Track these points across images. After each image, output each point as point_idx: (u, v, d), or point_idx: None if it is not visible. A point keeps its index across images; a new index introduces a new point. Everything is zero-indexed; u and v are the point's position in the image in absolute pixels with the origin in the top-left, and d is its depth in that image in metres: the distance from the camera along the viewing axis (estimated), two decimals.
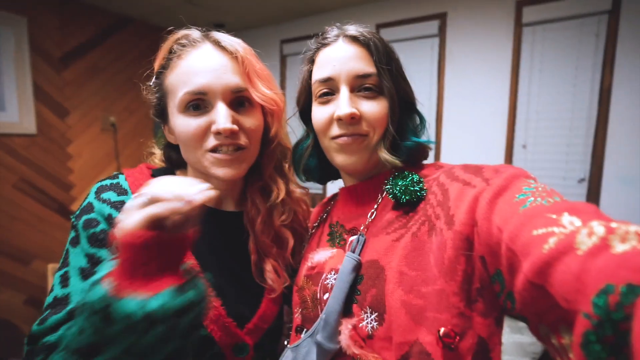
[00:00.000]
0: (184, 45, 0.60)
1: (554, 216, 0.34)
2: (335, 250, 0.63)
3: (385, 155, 0.58)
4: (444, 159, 2.46)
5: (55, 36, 2.57)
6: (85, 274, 0.55)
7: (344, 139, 0.59)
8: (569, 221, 0.32)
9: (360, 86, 0.58)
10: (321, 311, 0.56)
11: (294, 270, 0.73)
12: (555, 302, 0.30)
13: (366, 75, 0.58)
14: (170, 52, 0.61)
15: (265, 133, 0.68)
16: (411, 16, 2.52)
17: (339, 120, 0.58)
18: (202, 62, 0.58)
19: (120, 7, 2.82)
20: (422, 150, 0.63)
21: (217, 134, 0.58)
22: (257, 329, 0.65)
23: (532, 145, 2.22)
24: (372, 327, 0.50)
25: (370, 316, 0.51)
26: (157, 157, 0.74)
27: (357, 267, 0.55)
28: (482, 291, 0.45)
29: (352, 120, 0.57)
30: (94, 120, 2.80)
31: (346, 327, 0.52)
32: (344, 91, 0.58)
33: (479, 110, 2.37)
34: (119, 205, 0.57)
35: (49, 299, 0.56)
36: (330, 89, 0.60)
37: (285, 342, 0.69)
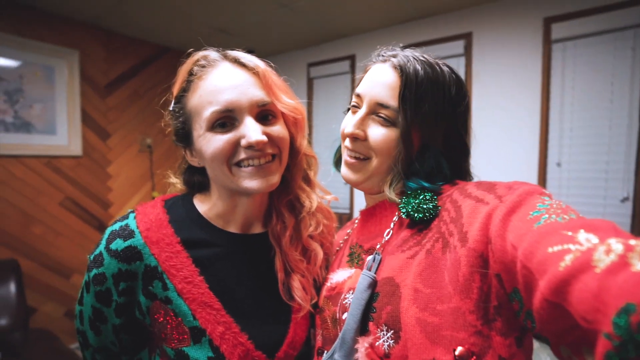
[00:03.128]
0: (203, 66, 0.60)
1: (570, 233, 0.33)
2: (353, 270, 0.63)
3: (388, 193, 0.60)
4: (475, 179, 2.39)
5: (102, 66, 2.81)
6: (92, 323, 0.61)
7: (347, 158, 0.64)
8: (586, 238, 0.32)
9: (377, 112, 0.60)
10: (340, 331, 0.56)
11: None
12: (574, 322, 0.29)
13: (384, 106, 0.59)
14: (190, 74, 0.61)
15: (291, 144, 0.68)
16: (436, 37, 2.55)
17: (346, 135, 0.63)
18: (225, 80, 0.59)
19: (159, 38, 3.05)
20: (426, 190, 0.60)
21: (249, 147, 0.59)
22: (286, 356, 0.63)
23: (567, 164, 2.13)
24: (389, 345, 0.49)
25: (387, 334, 0.50)
26: (178, 184, 0.74)
27: (373, 285, 0.55)
28: (500, 310, 0.43)
29: (355, 140, 0.61)
30: (132, 143, 2.99)
31: (363, 345, 0.51)
32: (361, 111, 0.61)
33: (509, 130, 2.32)
34: (127, 254, 0.57)
35: (76, 324, 0.65)
36: (358, 104, 0.63)
37: None
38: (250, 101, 0.59)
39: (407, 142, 0.58)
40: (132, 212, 0.64)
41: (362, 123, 0.60)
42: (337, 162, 0.75)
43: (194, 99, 0.60)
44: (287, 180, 0.71)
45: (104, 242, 0.59)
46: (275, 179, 0.63)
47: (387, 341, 0.50)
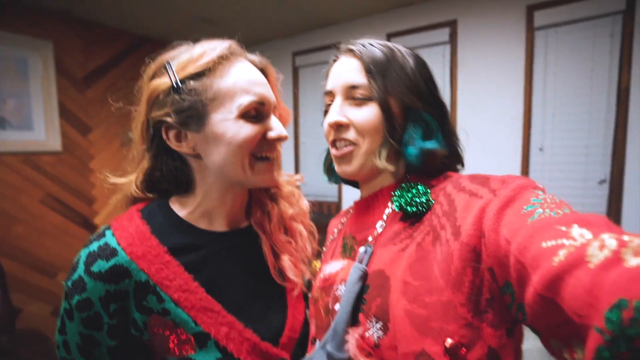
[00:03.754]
0: (232, 54, 0.60)
1: (564, 228, 0.33)
2: (346, 261, 0.64)
3: (378, 162, 0.59)
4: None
5: (79, 58, 2.69)
6: (82, 350, 0.57)
7: (334, 151, 0.63)
8: (579, 233, 0.32)
9: (352, 95, 0.60)
10: (332, 321, 0.57)
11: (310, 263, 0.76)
12: (566, 316, 0.30)
13: (355, 86, 0.59)
14: (221, 57, 0.59)
15: None
16: (421, 24, 2.55)
17: (330, 126, 0.62)
18: (256, 75, 0.61)
19: (138, 28, 2.94)
20: (432, 156, 0.59)
21: (276, 140, 0.62)
22: (290, 340, 0.66)
23: (550, 148, 2.19)
24: (378, 337, 0.50)
25: (376, 325, 0.51)
26: (131, 184, 0.65)
27: (364, 277, 0.55)
28: (492, 302, 0.44)
29: (340, 127, 0.61)
30: (114, 137, 2.90)
31: (353, 336, 0.52)
32: (337, 101, 0.61)
33: (493, 115, 2.36)
34: (113, 274, 0.54)
35: (59, 353, 0.59)
36: (332, 100, 0.64)
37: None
38: (273, 100, 0.63)
39: (387, 110, 0.58)
40: (108, 228, 0.60)
41: (341, 110, 0.61)
42: (328, 170, 0.75)
43: (225, 82, 0.58)
44: None
45: (81, 265, 0.55)
46: (277, 174, 0.67)
47: (376, 332, 0.50)
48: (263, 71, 0.65)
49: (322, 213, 3.17)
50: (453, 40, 2.45)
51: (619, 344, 0.24)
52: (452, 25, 2.44)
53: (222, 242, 0.66)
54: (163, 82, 0.58)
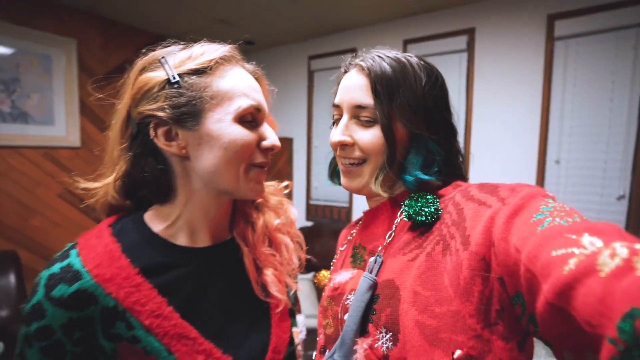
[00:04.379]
0: (232, 57, 0.60)
1: (574, 236, 0.33)
2: (356, 271, 0.64)
3: (373, 187, 0.61)
4: (473, 175, 2.41)
5: (100, 55, 2.76)
6: None
7: (343, 166, 0.65)
8: (590, 242, 0.31)
9: (358, 115, 0.61)
10: (341, 331, 0.57)
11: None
12: (578, 326, 0.29)
13: (362, 106, 0.60)
14: (222, 59, 0.58)
15: None
16: (439, 32, 2.53)
17: (335, 146, 0.63)
18: (253, 81, 0.61)
19: (156, 27, 3.00)
20: (426, 185, 0.61)
21: (268, 149, 0.60)
22: None
23: (566, 161, 2.15)
24: (387, 347, 0.50)
25: (385, 336, 0.50)
26: (107, 190, 0.60)
27: (373, 287, 0.55)
28: (502, 313, 0.43)
29: (344, 146, 0.62)
30: None
31: (361, 346, 0.52)
32: (344, 119, 0.62)
33: (509, 126, 2.33)
34: (76, 300, 0.49)
35: None
36: (339, 114, 0.65)
37: None
38: (267, 110, 0.62)
39: (389, 135, 0.58)
40: (73, 247, 0.54)
41: (347, 129, 0.62)
42: (332, 174, 0.77)
43: (225, 83, 0.56)
44: None
45: (41, 289, 0.50)
46: (264, 185, 0.66)
47: (385, 343, 0.50)
48: (256, 81, 0.63)
49: (333, 218, 3.17)
50: (470, 49, 2.42)
51: (633, 354, 0.23)
52: (470, 33, 2.42)
53: (201, 259, 0.61)
54: (157, 75, 0.55)
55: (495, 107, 2.37)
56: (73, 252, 0.53)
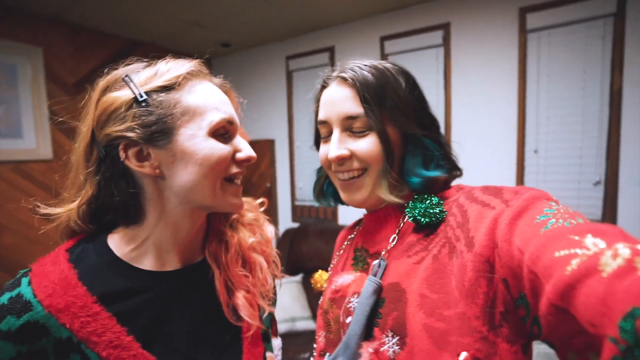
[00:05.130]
0: (200, 72, 0.59)
1: (577, 237, 0.33)
2: (358, 274, 0.63)
3: (382, 194, 0.60)
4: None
5: (69, 63, 2.65)
6: None
7: (342, 181, 0.63)
8: (593, 243, 0.32)
9: (350, 126, 0.61)
10: (344, 335, 0.56)
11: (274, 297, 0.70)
12: (580, 327, 0.29)
13: (353, 117, 0.59)
14: (190, 74, 0.57)
15: None
16: (415, 27, 2.55)
17: (332, 162, 0.62)
18: (222, 95, 0.60)
19: (129, 32, 2.91)
20: (434, 182, 0.61)
21: (243, 161, 0.60)
22: None
23: (544, 151, 2.20)
24: (394, 351, 0.49)
25: (392, 340, 0.50)
26: (69, 215, 0.58)
27: (378, 290, 0.55)
28: (506, 315, 0.43)
29: (342, 160, 0.61)
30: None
31: (367, 350, 0.51)
32: (335, 133, 0.61)
33: (488, 118, 2.37)
34: (25, 333, 0.46)
35: None
36: (328, 130, 0.64)
37: None
38: (238, 123, 0.61)
39: (386, 140, 0.58)
40: (26, 274, 0.51)
41: (342, 142, 0.61)
42: (320, 195, 0.76)
43: (195, 98, 0.55)
44: None
45: None
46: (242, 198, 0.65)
47: (392, 347, 0.50)
48: (225, 94, 0.63)
49: (319, 218, 3.16)
50: (447, 43, 2.45)
51: (634, 353, 0.24)
52: (446, 27, 2.44)
53: (168, 282, 0.58)
54: (122, 94, 0.53)
55: (474, 100, 2.40)
56: (24, 280, 0.50)
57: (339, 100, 0.61)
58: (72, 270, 0.52)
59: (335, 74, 0.63)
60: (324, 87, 0.65)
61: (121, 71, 0.56)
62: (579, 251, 0.31)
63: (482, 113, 2.38)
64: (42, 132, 2.50)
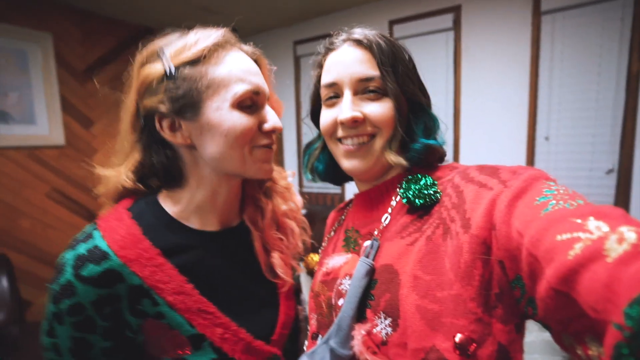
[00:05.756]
0: (227, 42, 0.59)
1: (579, 221, 0.32)
2: (350, 255, 0.63)
3: (391, 156, 0.58)
4: (463, 154, 2.42)
5: (79, 49, 2.68)
6: (74, 352, 0.55)
7: (348, 146, 0.60)
8: (596, 226, 0.31)
9: (364, 89, 0.59)
10: (336, 317, 0.56)
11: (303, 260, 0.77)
12: (581, 311, 0.29)
13: (369, 79, 0.58)
14: (216, 45, 0.58)
15: None
16: (424, 11, 2.48)
17: (342, 123, 0.59)
18: (250, 64, 0.60)
19: (138, 19, 2.91)
20: (433, 152, 0.61)
21: (271, 131, 0.61)
22: (281, 337, 0.67)
23: (555, 137, 2.15)
24: (387, 333, 0.49)
25: (384, 321, 0.50)
26: (126, 180, 0.62)
27: (371, 272, 0.54)
28: (501, 296, 0.43)
29: (355, 123, 0.58)
30: (117, 129, 2.90)
31: (359, 332, 0.51)
32: (347, 95, 0.59)
33: (498, 103, 2.32)
34: (104, 279, 0.53)
35: (48, 355, 0.56)
36: (335, 93, 0.61)
37: (304, 348, 0.69)
38: (267, 92, 0.62)
39: (400, 104, 0.58)
40: (95, 229, 0.56)
41: (354, 105, 0.58)
42: (313, 168, 0.74)
43: (220, 70, 0.57)
44: None
45: (69, 268, 0.53)
46: (273, 165, 0.67)
47: (384, 328, 0.50)
48: (256, 62, 0.63)
49: (326, 205, 3.17)
50: (457, 27, 2.39)
51: (639, 340, 0.24)
52: (456, 11, 2.38)
53: (214, 242, 0.65)
54: (156, 68, 0.56)
55: (484, 85, 2.35)
56: (96, 233, 0.56)
57: (352, 61, 0.58)
58: (137, 226, 0.58)
59: (344, 37, 0.61)
60: (329, 50, 0.63)
61: (157, 43, 0.59)
62: (582, 235, 0.31)
63: (492, 98, 2.33)
64: (54, 118, 2.54)
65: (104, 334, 0.55)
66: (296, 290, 0.76)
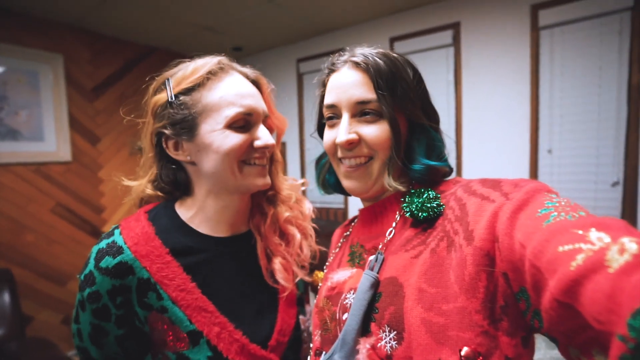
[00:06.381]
0: (221, 69, 0.66)
1: (581, 232, 0.32)
2: (355, 270, 0.62)
3: (388, 181, 0.59)
4: (466, 169, 2.41)
5: (87, 69, 2.76)
6: (92, 338, 0.63)
7: (347, 168, 0.62)
8: (597, 237, 0.31)
9: (362, 111, 0.60)
10: (340, 331, 0.55)
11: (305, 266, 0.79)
12: (585, 323, 0.29)
13: (365, 102, 0.59)
14: (210, 73, 0.65)
15: None
16: (424, 28, 2.54)
17: (341, 146, 0.61)
18: (244, 88, 0.66)
19: (144, 39, 3.00)
20: (435, 172, 0.61)
21: (262, 148, 0.66)
22: (278, 344, 0.69)
23: (558, 150, 2.14)
24: (392, 347, 0.48)
25: (389, 335, 0.49)
26: (148, 189, 0.72)
27: (375, 285, 0.54)
28: (506, 309, 0.43)
29: (351, 145, 0.60)
30: (123, 146, 2.95)
31: (364, 346, 0.50)
32: (345, 118, 0.60)
33: (499, 117, 2.32)
34: (118, 270, 0.59)
35: (75, 341, 0.65)
36: (335, 114, 0.63)
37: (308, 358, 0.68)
38: (262, 111, 0.68)
39: (396, 127, 0.58)
40: (117, 227, 0.65)
41: (351, 127, 0.60)
42: (324, 183, 0.75)
43: (213, 96, 0.63)
44: (271, 176, 0.77)
45: (92, 261, 0.60)
46: (269, 178, 0.72)
47: (389, 342, 0.49)
48: (255, 82, 0.70)
49: (329, 220, 3.16)
50: (457, 43, 2.43)
51: None
52: (456, 27, 2.42)
53: (221, 247, 0.70)
54: (161, 97, 0.65)
55: (485, 100, 2.36)
56: (117, 231, 0.64)
57: (350, 84, 0.60)
58: (151, 227, 0.65)
59: (345, 58, 0.62)
60: (332, 71, 0.64)
61: (167, 73, 0.68)
62: (583, 246, 0.31)
63: (493, 112, 2.34)
64: (62, 135, 2.60)
65: (117, 321, 0.61)
66: (300, 299, 0.78)
